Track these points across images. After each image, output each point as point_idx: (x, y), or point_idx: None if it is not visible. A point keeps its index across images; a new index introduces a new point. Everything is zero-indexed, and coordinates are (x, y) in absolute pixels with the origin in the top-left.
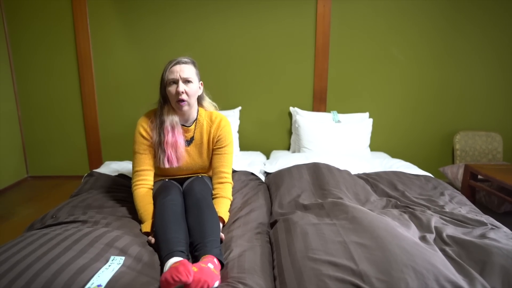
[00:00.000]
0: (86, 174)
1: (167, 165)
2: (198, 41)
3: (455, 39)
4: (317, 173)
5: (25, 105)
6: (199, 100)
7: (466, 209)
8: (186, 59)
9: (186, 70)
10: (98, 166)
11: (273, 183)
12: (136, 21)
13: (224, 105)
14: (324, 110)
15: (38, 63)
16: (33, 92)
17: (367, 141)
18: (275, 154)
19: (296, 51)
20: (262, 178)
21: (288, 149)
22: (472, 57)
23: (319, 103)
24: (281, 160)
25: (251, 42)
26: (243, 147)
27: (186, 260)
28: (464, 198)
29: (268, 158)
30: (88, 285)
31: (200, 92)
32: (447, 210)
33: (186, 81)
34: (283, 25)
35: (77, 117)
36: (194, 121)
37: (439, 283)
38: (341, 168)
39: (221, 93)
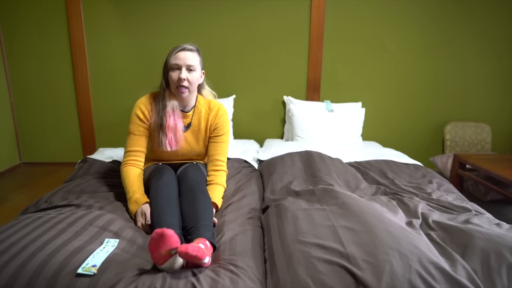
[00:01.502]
0: (80, 160)
1: (168, 148)
2: (193, 30)
3: (448, 31)
4: (309, 160)
5: (17, 91)
6: (199, 88)
7: (453, 196)
8: (191, 47)
9: (190, 58)
10: (92, 153)
11: (265, 170)
12: (131, 8)
13: (219, 94)
14: (318, 100)
15: (30, 49)
16: (26, 78)
17: (359, 130)
18: (269, 142)
19: (291, 41)
20: (255, 165)
21: (282, 137)
22: (464, 49)
23: (312, 93)
24: (274, 148)
25: (246, 32)
26: (237, 135)
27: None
28: (451, 186)
29: (261, 146)
30: (83, 265)
31: (201, 80)
32: (434, 197)
33: (189, 69)
34: (278, 15)
35: (71, 103)
36: (193, 107)
37: (422, 265)
38: (333, 156)
39: (216, 82)
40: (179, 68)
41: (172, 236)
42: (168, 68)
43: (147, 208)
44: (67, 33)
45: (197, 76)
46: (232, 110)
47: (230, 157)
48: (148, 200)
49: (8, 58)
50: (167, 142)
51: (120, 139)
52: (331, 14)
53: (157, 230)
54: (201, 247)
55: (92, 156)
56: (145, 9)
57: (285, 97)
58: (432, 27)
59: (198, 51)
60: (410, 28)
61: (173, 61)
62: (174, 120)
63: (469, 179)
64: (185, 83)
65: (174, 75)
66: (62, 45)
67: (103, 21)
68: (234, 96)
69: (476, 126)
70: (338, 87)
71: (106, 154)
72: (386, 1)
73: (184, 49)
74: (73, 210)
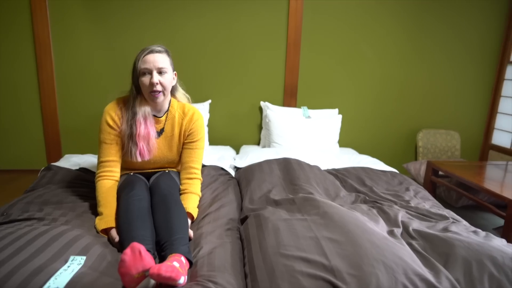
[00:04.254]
0: (43, 168)
1: (139, 159)
2: (169, 32)
3: (421, 39)
4: (288, 168)
5: None
6: (172, 90)
7: (429, 203)
8: (159, 48)
9: (160, 60)
10: (57, 160)
11: (243, 178)
12: (103, 6)
13: (194, 98)
14: (295, 106)
15: None
16: None
17: (336, 137)
18: (245, 148)
19: (268, 46)
20: (232, 173)
21: (258, 144)
22: (436, 58)
23: (289, 98)
24: (252, 155)
25: (223, 35)
26: (213, 141)
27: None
28: (427, 193)
29: (238, 152)
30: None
31: (174, 82)
32: (412, 205)
33: (160, 72)
34: (255, 19)
35: (34, 106)
36: (166, 112)
37: (408, 277)
38: (311, 163)
39: (191, 86)
40: (149, 72)
41: (145, 254)
42: (137, 73)
43: (115, 236)
44: (30, 29)
45: (169, 78)
46: (207, 115)
47: (205, 164)
48: (114, 225)
49: None
50: (137, 152)
51: (89, 145)
52: (308, 19)
53: (127, 249)
54: (176, 266)
55: (57, 164)
56: (119, 10)
57: (262, 103)
58: (404, 36)
59: (167, 52)
60: (384, 35)
61: (142, 65)
62: (146, 128)
63: (441, 186)
64: (158, 87)
65: (145, 80)
66: (25, 43)
67: (71, 19)
68: (210, 101)
69: (446, 134)
70: (315, 93)
71: (72, 161)
72: (362, 8)
73: (152, 51)
74: (34, 225)
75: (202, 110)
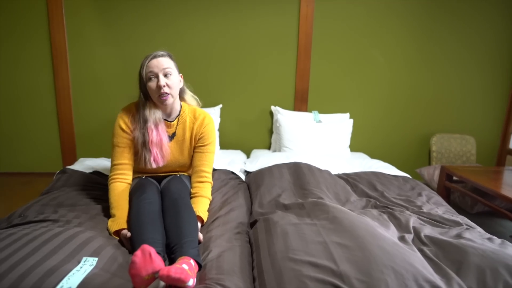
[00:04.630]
0: (58, 171)
1: (154, 165)
2: (179, 37)
3: (434, 44)
4: (298, 172)
5: None
6: (181, 93)
7: (443, 209)
8: (162, 52)
9: (164, 63)
10: (72, 163)
11: (253, 182)
12: (115, 13)
13: (205, 103)
14: (306, 110)
15: (7, 52)
16: (2, 84)
17: (347, 141)
18: (256, 153)
19: (279, 51)
20: (242, 177)
21: (269, 148)
22: (449, 63)
23: (300, 103)
24: (262, 159)
25: (233, 41)
26: (224, 145)
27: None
28: (440, 199)
29: (248, 157)
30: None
31: (181, 84)
32: (424, 210)
33: (166, 74)
34: (266, 24)
35: (50, 111)
36: (177, 116)
37: (418, 283)
38: (322, 168)
39: (202, 91)
40: (156, 76)
41: (155, 256)
42: (144, 80)
43: (126, 233)
44: (47, 37)
45: (176, 80)
46: (218, 119)
47: (216, 168)
48: (125, 226)
49: None
50: (152, 159)
51: (102, 149)
52: (319, 24)
53: (137, 251)
54: (185, 268)
55: (72, 167)
56: (129, 16)
57: (272, 107)
58: (418, 40)
59: (169, 55)
60: (397, 40)
61: (147, 70)
62: (158, 135)
63: (456, 191)
64: (166, 89)
65: (152, 84)
66: (42, 49)
67: (86, 27)
68: (221, 105)
69: (461, 138)
70: (326, 97)
71: (86, 165)
72: (373, 13)
73: (155, 57)
74: (49, 226)
75: (213, 115)
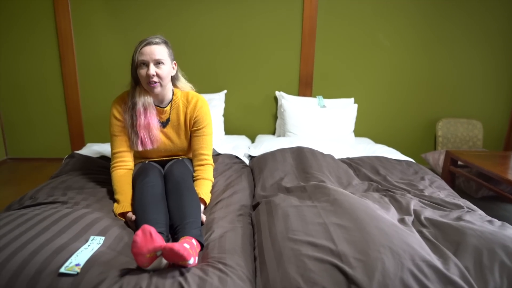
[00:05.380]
0: (67, 156)
1: (140, 148)
2: (184, 23)
3: (441, 27)
4: (301, 157)
5: (4, 85)
6: (173, 81)
7: (445, 193)
8: (157, 39)
9: (157, 52)
10: (80, 148)
11: (256, 166)
12: (121, 3)
13: (209, 89)
14: (310, 95)
15: (14, 40)
16: (12, 72)
17: (351, 126)
18: (260, 138)
19: (283, 35)
20: (247, 161)
21: (273, 133)
22: (457, 46)
23: (304, 88)
24: (266, 144)
25: (238, 26)
26: (228, 131)
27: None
28: (443, 183)
29: (253, 142)
30: (66, 264)
31: (173, 72)
32: (426, 194)
33: (158, 63)
34: (270, 9)
35: (58, 98)
36: (170, 102)
37: (415, 263)
38: (325, 152)
39: (206, 77)
40: (146, 64)
41: (155, 235)
42: (135, 65)
43: (131, 216)
44: (53, 24)
45: (167, 69)
46: (223, 105)
47: (220, 152)
48: (130, 209)
49: None
50: (138, 141)
51: (108, 134)
52: (323, 9)
53: (138, 231)
54: (186, 247)
55: (80, 152)
56: (135, 3)
57: (277, 93)
58: (425, 23)
59: (165, 43)
60: (404, 24)
61: (139, 57)
62: (146, 118)
63: (461, 176)
64: (155, 78)
65: (142, 72)
66: (49, 38)
67: (91, 14)
68: (225, 91)
69: (468, 123)
70: (330, 82)
71: (93, 150)
72: None
73: (149, 43)
74: (58, 208)
75: (218, 101)
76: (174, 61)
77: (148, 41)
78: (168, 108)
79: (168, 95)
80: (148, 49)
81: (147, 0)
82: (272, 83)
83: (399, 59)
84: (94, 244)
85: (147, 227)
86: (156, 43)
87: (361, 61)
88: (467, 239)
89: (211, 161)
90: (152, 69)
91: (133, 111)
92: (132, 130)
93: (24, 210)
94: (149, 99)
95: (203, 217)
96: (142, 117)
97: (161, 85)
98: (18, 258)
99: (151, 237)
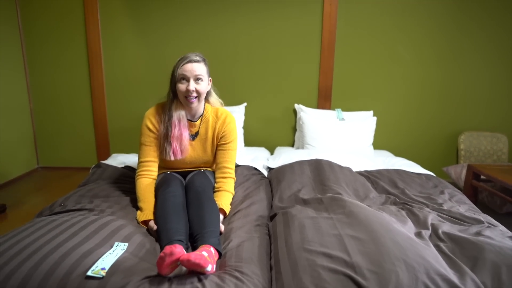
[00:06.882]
0: (93, 166)
1: (172, 158)
2: (205, 37)
3: (460, 39)
4: (319, 169)
5: (36, 97)
6: (206, 96)
7: (465, 207)
8: (198, 58)
9: (198, 69)
10: (105, 158)
11: (274, 178)
12: (145, 16)
13: (229, 101)
14: (329, 108)
15: (49, 55)
16: (44, 84)
17: (370, 139)
18: (279, 150)
19: (302, 49)
20: (265, 173)
21: (292, 145)
22: (477, 58)
23: (323, 101)
24: (284, 156)
25: (258, 40)
26: (248, 142)
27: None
28: (464, 197)
29: (272, 154)
30: (93, 268)
31: (209, 88)
32: (445, 208)
33: (197, 79)
34: (289, 23)
35: (87, 110)
36: (200, 116)
37: (429, 276)
38: (343, 165)
39: (227, 89)
40: (187, 79)
41: (179, 251)
42: (175, 79)
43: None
44: (84, 40)
45: (205, 86)
46: (243, 117)
47: (240, 164)
48: (152, 217)
49: (29, 65)
50: (171, 151)
51: (133, 145)
52: (342, 22)
53: (166, 249)
54: (204, 255)
55: (106, 162)
56: (159, 20)
57: (296, 105)
58: (443, 37)
59: (204, 61)
60: (423, 36)
61: (180, 72)
62: (180, 130)
63: (484, 190)
64: (194, 94)
65: (182, 86)
66: (79, 51)
67: (118, 28)
68: (245, 104)
69: (492, 136)
70: (349, 95)
71: (119, 160)
72: (397, 9)
73: (191, 61)
74: (85, 214)
75: (238, 113)
76: (210, 78)
77: (189, 58)
78: (198, 122)
79: (200, 110)
80: (190, 66)
81: (169, 15)
82: (292, 95)
83: (419, 71)
84: (118, 250)
85: (168, 249)
86: (197, 61)
87: (380, 73)
88: (485, 254)
89: (233, 174)
90: (192, 85)
91: (169, 122)
92: (165, 140)
93: (54, 216)
94: (183, 113)
95: (222, 227)
96: (176, 128)
97: (198, 100)
98: (49, 261)
99: (171, 254)
